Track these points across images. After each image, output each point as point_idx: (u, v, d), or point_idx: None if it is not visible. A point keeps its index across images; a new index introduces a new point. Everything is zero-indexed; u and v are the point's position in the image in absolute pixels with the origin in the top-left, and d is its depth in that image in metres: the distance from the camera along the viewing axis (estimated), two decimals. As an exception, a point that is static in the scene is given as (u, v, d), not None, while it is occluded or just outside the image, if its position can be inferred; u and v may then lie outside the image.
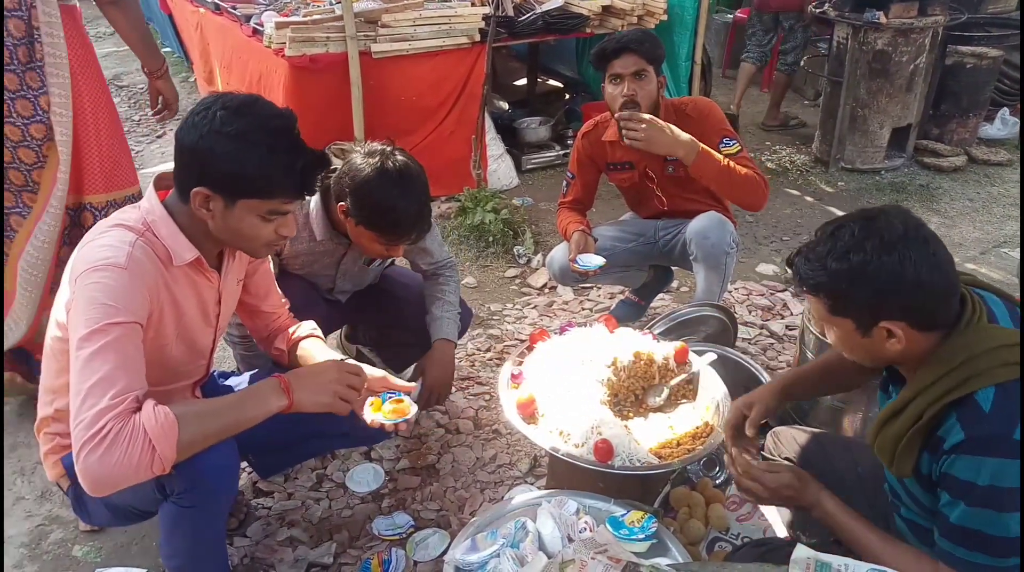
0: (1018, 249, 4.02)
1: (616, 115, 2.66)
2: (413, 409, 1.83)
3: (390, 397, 1.86)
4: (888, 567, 1.41)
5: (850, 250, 1.39)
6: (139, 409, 1.43)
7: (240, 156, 1.51)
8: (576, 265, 2.69)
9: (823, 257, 1.42)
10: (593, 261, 2.68)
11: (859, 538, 1.55)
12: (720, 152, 2.64)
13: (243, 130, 1.50)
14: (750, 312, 3.42)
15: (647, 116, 2.57)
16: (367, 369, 1.90)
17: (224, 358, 2.91)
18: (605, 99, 2.72)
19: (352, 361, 1.81)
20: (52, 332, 1.67)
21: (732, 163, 2.63)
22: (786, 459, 2.10)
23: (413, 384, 1.94)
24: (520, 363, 2.24)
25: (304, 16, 4.16)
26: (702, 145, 2.59)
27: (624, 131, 2.61)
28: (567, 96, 5.81)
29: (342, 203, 2.11)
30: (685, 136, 2.57)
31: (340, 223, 2.25)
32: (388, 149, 2.14)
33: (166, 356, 1.72)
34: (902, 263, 1.35)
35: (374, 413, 1.81)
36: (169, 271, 1.63)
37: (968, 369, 1.36)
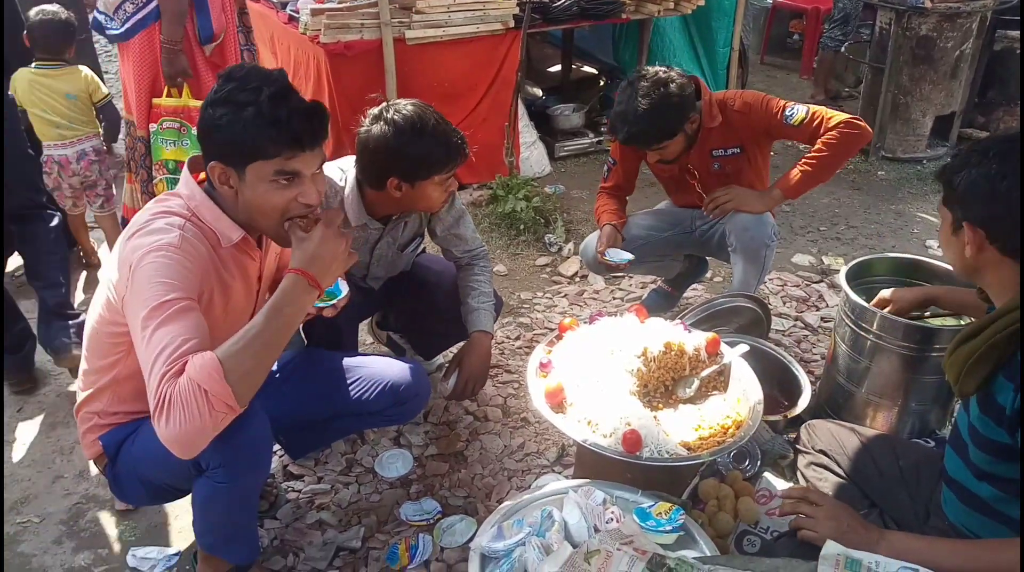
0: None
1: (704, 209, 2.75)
2: (342, 295, 1.87)
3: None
4: (987, 561, 1.41)
5: (973, 150, 1.48)
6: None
7: (231, 121, 1.53)
8: (605, 258, 2.69)
9: (963, 154, 1.52)
10: (621, 256, 2.68)
11: (942, 554, 1.46)
12: (788, 126, 2.62)
13: (232, 92, 1.54)
14: (784, 303, 3.37)
15: (721, 194, 2.67)
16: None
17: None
18: None
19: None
20: (96, 312, 1.70)
21: (813, 158, 2.62)
22: (820, 451, 2.07)
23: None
24: (549, 352, 2.24)
25: (339, 3, 4.16)
26: (779, 189, 2.69)
27: (714, 212, 2.72)
28: (602, 82, 5.75)
29: (392, 178, 2.13)
30: (761, 193, 2.71)
31: (376, 206, 2.27)
32: (381, 110, 2.16)
33: (213, 337, 1.74)
34: (1005, 175, 1.41)
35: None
36: (219, 254, 1.66)
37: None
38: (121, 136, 4.05)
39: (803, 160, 2.66)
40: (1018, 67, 4.91)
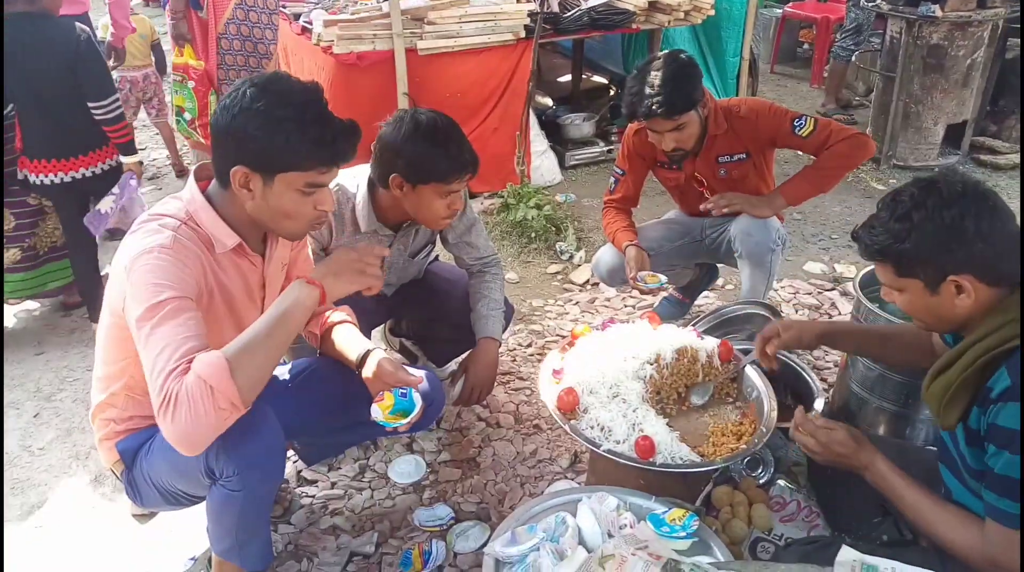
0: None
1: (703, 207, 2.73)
2: (416, 410, 1.83)
3: (402, 393, 1.87)
4: (936, 526, 1.49)
5: (911, 210, 1.44)
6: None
7: (271, 130, 1.54)
8: (639, 283, 2.67)
9: (885, 221, 1.47)
10: (658, 280, 2.67)
11: (909, 499, 1.57)
12: (795, 136, 2.63)
13: (271, 105, 1.54)
14: (797, 311, 3.37)
15: (726, 199, 2.66)
16: (384, 360, 1.90)
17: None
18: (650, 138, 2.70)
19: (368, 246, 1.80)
20: (104, 319, 1.72)
21: (817, 166, 2.65)
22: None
23: (421, 378, 1.94)
24: (562, 358, 2.24)
25: (352, 14, 4.21)
26: (783, 196, 2.68)
27: (721, 208, 2.68)
28: (612, 92, 5.77)
29: (394, 175, 2.15)
30: (765, 197, 2.70)
31: (387, 212, 2.28)
32: (405, 111, 2.20)
33: (219, 337, 1.75)
34: (963, 216, 1.39)
35: (380, 411, 1.83)
36: (214, 257, 1.67)
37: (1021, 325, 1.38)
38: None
39: (806, 168, 2.68)
40: (1030, 75, 4.90)
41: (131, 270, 1.54)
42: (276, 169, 1.58)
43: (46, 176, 3.08)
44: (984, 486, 1.45)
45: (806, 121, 2.63)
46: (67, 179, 3.11)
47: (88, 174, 3.14)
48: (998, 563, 1.42)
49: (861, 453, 1.67)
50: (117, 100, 3.11)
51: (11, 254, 3.25)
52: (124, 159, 3.21)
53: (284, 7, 4.98)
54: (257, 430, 1.60)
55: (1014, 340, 1.38)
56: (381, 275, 1.75)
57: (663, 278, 2.68)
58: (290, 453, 2.44)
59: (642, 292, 2.75)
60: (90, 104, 3.03)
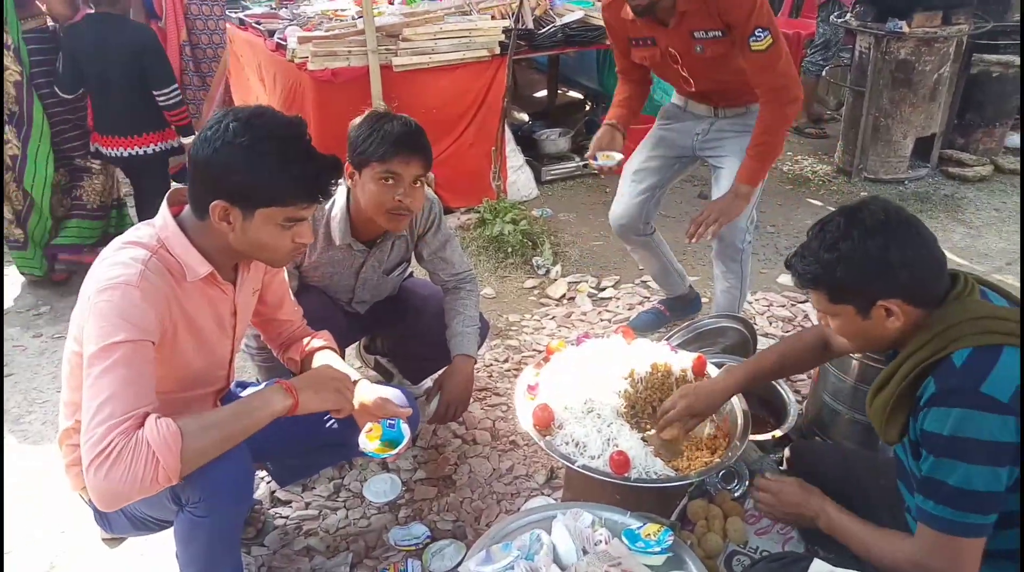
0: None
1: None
2: (404, 441, 1.84)
3: (390, 424, 1.87)
4: (880, 551, 1.56)
5: (838, 240, 1.49)
6: (144, 425, 1.45)
7: (254, 166, 1.53)
8: (594, 162, 2.71)
9: (816, 251, 1.53)
10: (613, 159, 2.68)
11: (857, 535, 1.64)
12: (748, 45, 2.47)
13: (255, 140, 1.53)
14: (771, 323, 3.39)
15: (703, 217, 2.61)
16: (371, 391, 1.93)
17: (243, 368, 2.93)
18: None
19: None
20: (70, 346, 1.70)
21: (757, 144, 2.59)
22: (805, 472, 2.08)
23: (409, 409, 1.94)
24: (537, 374, 2.24)
25: (326, 30, 4.21)
26: (745, 183, 2.61)
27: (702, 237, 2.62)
28: (587, 107, 5.82)
29: (347, 165, 2.14)
30: (730, 195, 2.63)
31: (362, 225, 2.28)
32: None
33: (187, 367, 1.74)
34: (887, 244, 1.45)
35: (369, 441, 1.83)
36: (182, 287, 1.65)
37: (952, 333, 1.45)
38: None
39: (750, 149, 2.61)
40: (994, 90, 5.00)
41: (95, 303, 1.52)
42: (257, 204, 1.57)
43: (115, 150, 3.70)
44: (915, 489, 1.51)
45: (765, 36, 2.45)
46: (133, 153, 3.72)
47: (150, 151, 3.76)
48: (925, 566, 1.47)
49: (812, 501, 1.77)
50: (177, 88, 3.68)
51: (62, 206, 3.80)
52: (183, 139, 3.80)
53: (229, 15, 5.04)
54: (225, 455, 1.57)
55: (942, 351, 1.44)
56: (351, 406, 1.81)
57: (617, 156, 2.69)
58: (263, 474, 2.41)
59: (598, 172, 2.76)
60: (155, 91, 3.61)
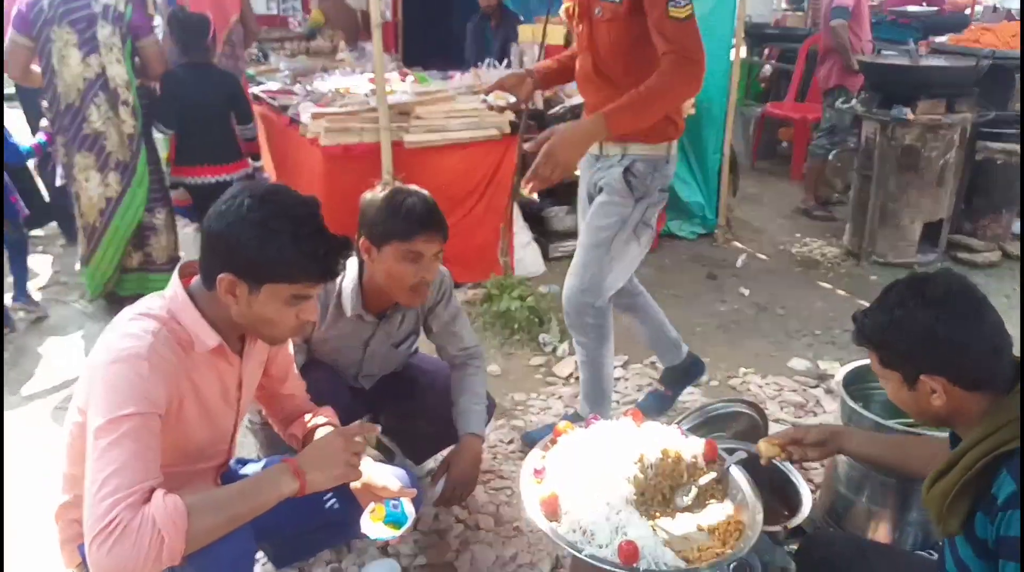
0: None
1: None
2: (408, 522, 1.81)
3: (393, 505, 1.83)
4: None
5: (895, 306, 1.48)
6: (150, 500, 1.42)
7: (265, 242, 1.54)
8: (484, 98, 2.94)
9: (874, 311, 1.52)
10: (505, 99, 2.97)
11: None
12: (666, 11, 2.26)
13: (267, 217, 1.55)
14: (782, 408, 3.33)
15: (539, 163, 2.26)
16: (376, 470, 1.89)
17: (244, 444, 2.87)
18: None
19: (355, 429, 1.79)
20: (72, 417, 1.67)
21: (642, 94, 2.30)
22: (818, 564, 2.00)
23: (414, 490, 1.91)
24: (544, 457, 2.18)
25: (340, 107, 4.29)
26: (606, 120, 2.30)
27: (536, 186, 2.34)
28: (596, 186, 5.87)
29: (363, 240, 2.14)
30: (585, 123, 2.37)
31: (374, 297, 2.27)
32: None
33: (190, 440, 1.72)
34: (937, 319, 1.42)
35: (372, 522, 1.79)
36: (190, 358, 1.64)
37: (1020, 425, 1.36)
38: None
39: (634, 92, 2.32)
40: (1000, 176, 5.04)
41: (101, 374, 1.52)
42: (264, 279, 1.58)
43: (200, 178, 4.24)
44: None
45: (686, 4, 2.26)
46: (218, 180, 4.22)
47: (231, 178, 4.25)
48: None
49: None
50: (255, 125, 4.45)
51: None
52: (253, 163, 4.46)
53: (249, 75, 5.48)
54: (228, 534, 1.53)
55: (1012, 442, 1.36)
56: (360, 473, 1.74)
57: (511, 98, 2.71)
58: (260, 554, 2.33)
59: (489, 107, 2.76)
60: (238, 126, 4.32)
